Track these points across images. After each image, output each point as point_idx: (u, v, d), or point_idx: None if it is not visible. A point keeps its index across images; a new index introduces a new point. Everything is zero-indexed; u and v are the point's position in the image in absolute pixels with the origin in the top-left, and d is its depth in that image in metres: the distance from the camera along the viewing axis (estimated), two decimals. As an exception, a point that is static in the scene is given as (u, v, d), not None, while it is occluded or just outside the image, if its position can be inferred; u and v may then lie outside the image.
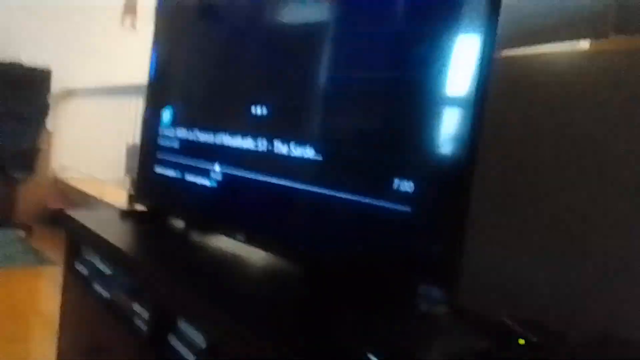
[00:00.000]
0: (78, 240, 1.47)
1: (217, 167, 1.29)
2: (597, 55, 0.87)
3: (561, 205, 0.91)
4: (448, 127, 0.86)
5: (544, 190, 0.94)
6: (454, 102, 0.86)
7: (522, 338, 0.81)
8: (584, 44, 0.89)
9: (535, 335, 0.82)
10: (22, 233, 3.62)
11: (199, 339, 0.96)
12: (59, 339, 1.51)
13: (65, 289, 1.49)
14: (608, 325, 0.84)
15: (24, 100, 3.68)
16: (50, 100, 3.74)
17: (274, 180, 1.12)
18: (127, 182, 3.37)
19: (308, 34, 1.13)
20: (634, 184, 0.83)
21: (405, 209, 0.88)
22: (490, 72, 0.81)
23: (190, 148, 1.39)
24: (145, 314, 1.10)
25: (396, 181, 0.90)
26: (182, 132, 1.42)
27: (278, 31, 1.23)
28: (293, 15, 1.21)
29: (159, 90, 1.57)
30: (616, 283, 0.84)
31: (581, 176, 0.89)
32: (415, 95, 0.90)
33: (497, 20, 0.80)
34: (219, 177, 1.28)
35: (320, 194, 1.02)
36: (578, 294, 0.88)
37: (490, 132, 0.87)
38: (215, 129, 1.31)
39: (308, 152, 1.06)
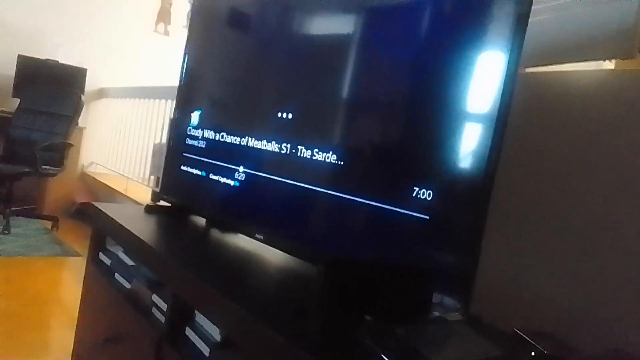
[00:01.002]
0: (103, 232, 1.52)
1: (241, 169, 1.32)
2: (623, 74, 0.88)
3: (578, 219, 0.91)
4: (470, 140, 0.87)
5: (562, 203, 0.94)
6: (476, 116, 0.87)
7: (534, 349, 0.81)
8: (610, 64, 0.90)
9: (547, 347, 0.82)
10: (48, 224, 3.71)
11: (215, 332, 0.98)
12: (78, 327, 1.55)
13: (88, 278, 1.54)
14: (621, 340, 0.84)
15: (58, 97, 3.79)
16: (84, 98, 3.86)
17: (296, 183, 1.15)
18: (152, 180, 3.44)
19: (336, 45, 1.16)
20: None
21: (424, 216, 0.90)
22: (513, 88, 0.82)
23: (216, 149, 1.43)
24: (164, 306, 1.12)
25: (416, 189, 0.91)
26: (209, 134, 1.46)
27: (306, 41, 1.26)
28: (321, 26, 1.24)
29: (189, 92, 1.62)
30: (631, 297, 0.84)
31: (599, 192, 0.89)
32: (439, 108, 0.92)
33: (523, 37, 0.81)
34: (243, 178, 1.31)
35: (340, 198, 1.05)
36: (592, 307, 0.88)
37: (511, 146, 0.88)
38: (241, 132, 1.35)
39: (330, 157, 1.09)
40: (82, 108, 3.79)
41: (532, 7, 0.82)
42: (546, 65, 0.99)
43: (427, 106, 0.94)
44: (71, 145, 3.70)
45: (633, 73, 0.85)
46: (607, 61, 0.90)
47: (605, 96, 0.89)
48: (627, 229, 0.85)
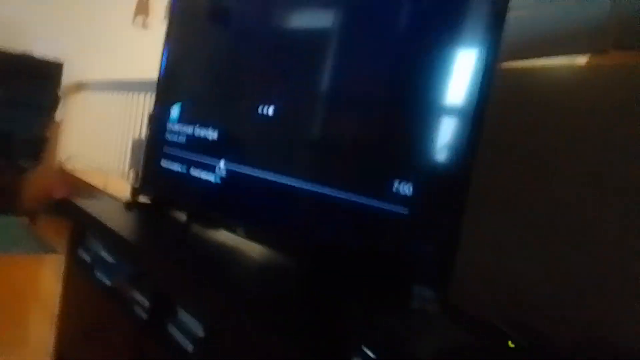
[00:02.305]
0: (82, 228, 1.50)
1: (221, 163, 1.32)
2: (596, 69, 0.90)
3: (555, 211, 0.94)
4: (448, 134, 0.88)
5: (539, 195, 0.96)
6: (455, 110, 0.88)
7: (511, 339, 0.83)
8: (583, 59, 0.92)
9: (524, 337, 0.84)
10: (26, 220, 3.65)
11: (197, 328, 0.98)
12: (59, 324, 1.54)
13: (67, 275, 1.52)
14: (598, 329, 0.87)
15: (34, 91, 3.72)
16: (61, 92, 3.79)
17: (276, 179, 1.15)
18: (131, 175, 3.40)
19: (315, 39, 1.16)
20: (628, 191, 0.85)
21: (403, 210, 0.91)
22: (491, 82, 0.83)
23: (196, 144, 1.42)
24: (145, 302, 1.12)
25: (395, 183, 0.92)
26: (189, 128, 1.45)
27: (285, 35, 1.26)
28: (301, 20, 1.24)
29: (169, 86, 1.60)
30: (607, 286, 0.87)
31: (575, 182, 0.91)
32: (417, 102, 0.93)
33: (501, 32, 0.83)
34: (223, 173, 1.31)
35: (320, 192, 1.05)
36: (570, 297, 0.91)
37: (490, 139, 0.90)
38: (221, 127, 1.34)
39: (310, 152, 1.09)
40: (59, 102, 3.72)
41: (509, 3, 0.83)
42: (522, 59, 1.00)
43: (406, 101, 0.95)
44: (47, 138, 3.64)
45: (606, 68, 0.87)
46: (581, 56, 0.92)
47: (579, 90, 0.91)
48: (604, 221, 0.87)
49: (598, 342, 0.86)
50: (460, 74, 0.87)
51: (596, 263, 0.88)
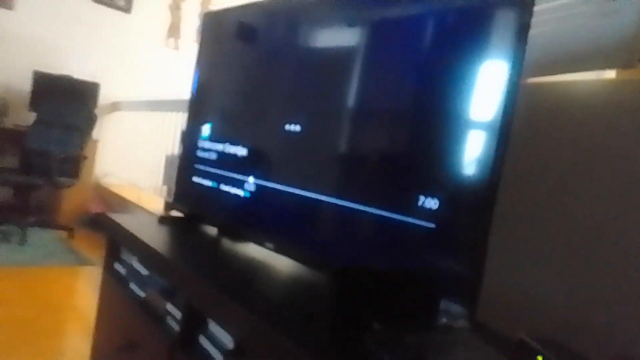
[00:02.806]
0: (117, 242, 1.55)
1: (250, 179, 1.35)
2: (624, 84, 0.90)
3: (582, 226, 0.93)
4: (474, 149, 0.89)
5: (566, 210, 0.95)
6: (480, 125, 0.89)
7: (541, 356, 0.82)
8: (611, 73, 0.92)
9: (553, 353, 0.83)
10: (63, 234, 3.77)
11: (228, 340, 1.01)
12: (94, 335, 1.58)
13: (103, 287, 1.57)
14: (630, 348, 0.85)
15: (72, 111, 3.87)
16: (98, 112, 3.94)
17: (305, 193, 1.17)
18: (164, 191, 3.48)
19: (341, 57, 1.19)
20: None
21: (430, 225, 0.92)
22: (516, 97, 0.84)
23: (226, 160, 1.46)
24: (178, 314, 1.15)
25: (422, 198, 0.93)
26: (219, 145, 1.50)
27: (312, 55, 1.29)
28: (327, 39, 1.27)
29: (200, 105, 1.65)
30: (636, 302, 0.85)
31: (603, 199, 0.90)
32: (444, 118, 0.94)
33: (525, 47, 0.83)
34: (252, 189, 1.34)
35: (348, 207, 1.07)
36: (597, 313, 0.89)
37: (516, 154, 0.90)
38: (250, 144, 1.38)
39: (337, 168, 1.11)
40: (95, 121, 3.87)
41: (534, 19, 0.84)
42: (549, 75, 1.00)
43: (432, 116, 0.96)
44: (85, 157, 3.77)
45: (634, 82, 0.87)
46: (608, 71, 0.92)
47: (607, 105, 0.91)
48: (631, 235, 0.86)
49: (627, 358, 0.84)
50: (486, 89, 0.88)
51: (626, 277, 0.86)
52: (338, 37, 1.24)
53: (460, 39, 0.94)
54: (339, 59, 1.20)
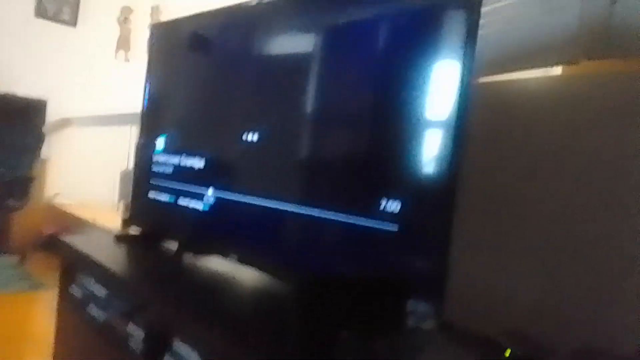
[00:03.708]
0: (72, 264, 1.49)
1: (210, 191, 1.32)
2: (569, 79, 0.93)
3: (541, 220, 0.95)
4: (431, 149, 0.90)
5: (522, 204, 0.98)
6: (436, 125, 0.90)
7: (508, 349, 0.83)
8: (557, 70, 0.95)
9: (520, 347, 0.84)
10: (15, 259, 3.61)
11: (194, 359, 0.98)
12: (54, 363, 1.51)
13: (60, 312, 1.50)
14: (597, 339, 0.87)
15: (18, 130, 3.71)
16: (46, 130, 3.79)
17: (265, 203, 1.16)
18: (120, 207, 3.39)
19: (294, 64, 1.18)
20: (606, 198, 0.87)
21: (393, 227, 0.92)
22: (469, 97, 0.85)
23: (183, 173, 1.42)
24: (140, 335, 1.11)
25: (383, 201, 0.93)
26: (175, 158, 1.46)
27: (266, 61, 1.28)
28: (279, 46, 1.26)
29: (153, 118, 1.61)
30: (602, 295, 0.87)
31: (559, 193, 0.93)
32: (399, 120, 0.94)
33: (475, 48, 0.85)
34: (212, 201, 1.31)
35: (309, 215, 1.06)
36: (564, 306, 0.91)
37: (473, 152, 0.92)
38: (207, 155, 1.35)
39: (297, 175, 1.10)
40: (43, 140, 3.72)
41: (482, 20, 0.86)
42: (499, 74, 1.03)
43: (389, 119, 0.97)
44: (34, 177, 3.62)
45: (578, 78, 0.90)
46: (554, 68, 0.95)
47: (555, 101, 0.93)
48: (591, 227, 0.89)
49: (597, 351, 0.86)
50: (439, 89, 0.89)
51: (593, 271, 0.89)
52: (290, 43, 1.23)
53: (412, 41, 0.95)
54: (292, 65, 1.19)
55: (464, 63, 0.86)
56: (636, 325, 0.83)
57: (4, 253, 3.67)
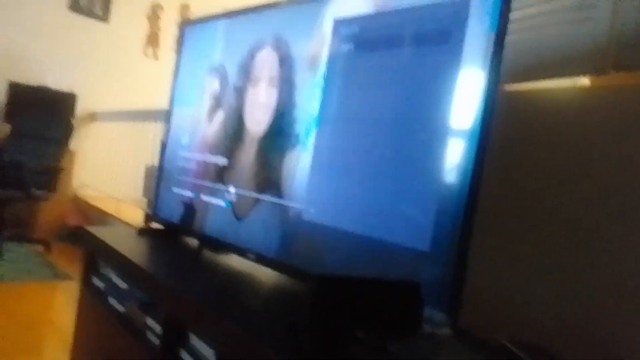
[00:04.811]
0: (95, 255, 1.52)
1: (231, 189, 1.33)
2: (597, 90, 0.91)
3: (564, 231, 0.94)
4: (454, 158, 0.89)
5: (546, 216, 0.96)
6: (460, 134, 0.89)
7: (522, 361, 0.82)
8: (585, 80, 0.93)
9: (535, 359, 0.83)
10: (40, 248, 3.69)
11: (209, 354, 0.99)
12: (73, 351, 1.54)
13: (81, 302, 1.54)
14: (611, 350, 0.86)
15: (49, 122, 3.80)
16: (74, 122, 3.87)
17: (286, 203, 1.16)
18: (144, 202, 3.44)
19: (309, 76, 1.19)
20: (634, 211, 0.85)
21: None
22: (494, 105, 0.85)
23: (206, 170, 1.44)
24: (158, 328, 1.13)
25: (403, 207, 0.93)
26: (198, 155, 1.48)
27: (292, 62, 1.29)
28: (297, 48, 1.27)
29: (179, 115, 1.64)
30: (621, 306, 0.86)
31: (583, 203, 0.91)
32: (423, 129, 0.94)
33: (501, 56, 0.84)
34: (233, 198, 1.33)
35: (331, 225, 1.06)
36: (581, 318, 0.90)
37: (496, 161, 0.91)
38: (230, 153, 1.36)
39: (319, 180, 1.10)
40: (72, 132, 3.80)
41: (510, 27, 0.85)
42: (525, 82, 1.02)
43: (412, 128, 0.97)
44: (62, 168, 3.70)
45: (606, 89, 0.88)
46: (582, 77, 0.93)
47: (580, 111, 0.92)
48: (612, 237, 0.87)
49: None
50: (464, 97, 0.89)
51: (608, 283, 0.87)
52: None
53: (437, 51, 0.95)
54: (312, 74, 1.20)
55: (490, 70, 0.85)
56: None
57: (29, 242, 3.76)
